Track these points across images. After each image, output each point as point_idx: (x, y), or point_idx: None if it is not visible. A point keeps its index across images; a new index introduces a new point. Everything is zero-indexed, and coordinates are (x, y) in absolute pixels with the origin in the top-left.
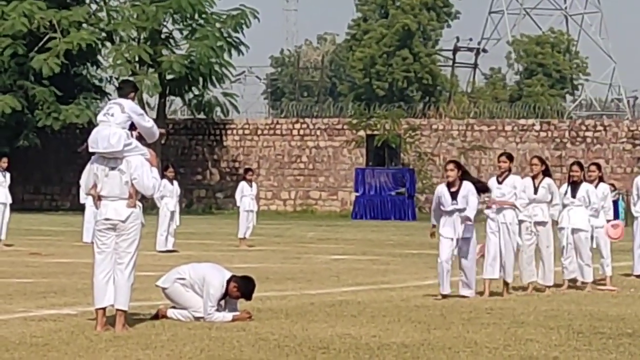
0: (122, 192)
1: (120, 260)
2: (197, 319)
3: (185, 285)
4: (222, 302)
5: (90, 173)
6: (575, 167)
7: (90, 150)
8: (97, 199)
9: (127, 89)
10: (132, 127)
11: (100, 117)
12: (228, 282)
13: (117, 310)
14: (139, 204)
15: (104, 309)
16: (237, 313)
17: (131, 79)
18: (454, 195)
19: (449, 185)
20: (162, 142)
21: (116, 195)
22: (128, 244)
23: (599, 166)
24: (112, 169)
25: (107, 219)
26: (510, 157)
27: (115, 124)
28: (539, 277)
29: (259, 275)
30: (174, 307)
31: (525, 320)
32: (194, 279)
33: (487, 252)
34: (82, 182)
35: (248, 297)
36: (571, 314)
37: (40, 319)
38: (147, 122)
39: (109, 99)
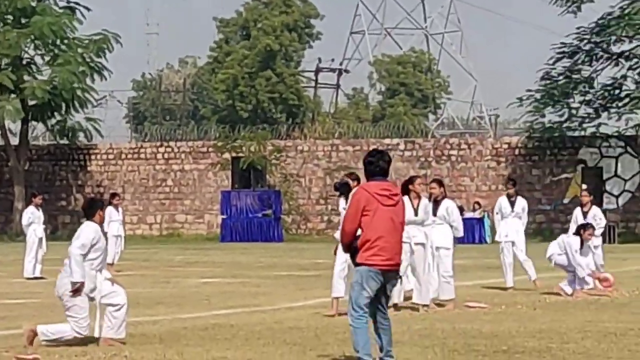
0: None
1: None
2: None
3: None
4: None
5: None
6: (433, 185)
7: None
8: None
9: None
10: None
11: None
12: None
13: None
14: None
15: None
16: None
17: None
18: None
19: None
20: (26, 167)
21: None
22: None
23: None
24: None
25: None
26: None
27: None
28: (415, 297)
29: (129, 300)
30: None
31: (400, 340)
32: None
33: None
34: None
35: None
36: (445, 332)
37: None
38: None
39: None
